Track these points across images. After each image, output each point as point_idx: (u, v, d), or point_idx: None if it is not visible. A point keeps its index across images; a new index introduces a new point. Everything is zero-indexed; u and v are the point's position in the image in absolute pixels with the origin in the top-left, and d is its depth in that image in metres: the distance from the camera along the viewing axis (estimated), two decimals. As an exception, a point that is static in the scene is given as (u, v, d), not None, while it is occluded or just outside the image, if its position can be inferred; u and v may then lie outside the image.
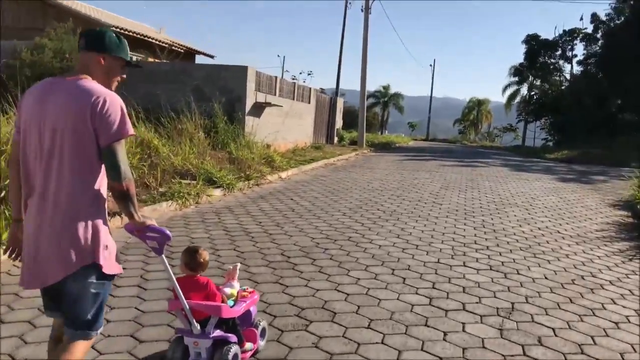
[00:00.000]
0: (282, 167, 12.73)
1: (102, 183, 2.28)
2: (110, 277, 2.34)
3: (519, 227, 7.66)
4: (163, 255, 2.51)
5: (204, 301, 2.83)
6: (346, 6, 25.68)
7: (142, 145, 9.63)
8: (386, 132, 65.80)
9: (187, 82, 14.15)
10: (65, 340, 2.31)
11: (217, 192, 9.05)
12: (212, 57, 24.53)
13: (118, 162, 2.18)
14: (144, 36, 17.36)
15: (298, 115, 18.63)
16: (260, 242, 5.97)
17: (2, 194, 5.44)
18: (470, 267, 5.39)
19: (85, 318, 2.27)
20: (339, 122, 25.37)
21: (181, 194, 7.98)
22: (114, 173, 2.18)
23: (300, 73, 67.02)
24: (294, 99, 18.01)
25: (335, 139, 24.78)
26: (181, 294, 2.73)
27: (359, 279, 4.80)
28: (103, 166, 2.24)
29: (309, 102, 20.04)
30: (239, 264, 3.36)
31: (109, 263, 2.28)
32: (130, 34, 16.87)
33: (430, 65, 59.36)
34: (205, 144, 11.32)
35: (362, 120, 24.71)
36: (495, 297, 4.55)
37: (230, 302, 2.98)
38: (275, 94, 16.18)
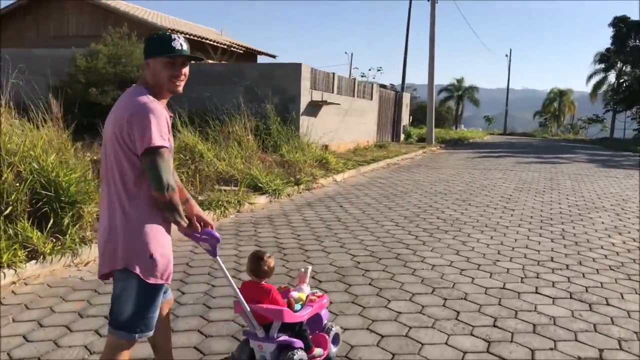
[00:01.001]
0: (338, 169, 11.90)
1: (141, 193, 2.26)
2: (151, 285, 2.29)
3: (608, 237, 6.40)
4: (218, 257, 2.54)
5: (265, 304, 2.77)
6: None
7: (185, 150, 9.15)
8: (462, 126, 63.42)
9: (239, 83, 13.64)
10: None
11: (262, 199, 8.36)
12: (273, 57, 24.11)
13: (156, 173, 2.16)
14: (200, 38, 17.10)
15: (359, 113, 17.73)
16: (292, 261, 5.17)
17: (8, 210, 4.97)
18: (544, 295, 4.31)
19: (120, 318, 2.31)
20: (405, 119, 24.19)
21: (220, 202, 7.34)
22: (154, 183, 2.18)
23: (370, 69, 65.57)
24: (354, 95, 17.13)
25: (402, 136, 23.63)
26: (240, 296, 2.71)
27: (399, 313, 3.88)
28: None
29: (371, 99, 19.08)
30: (310, 267, 3.30)
31: (149, 272, 2.26)
32: (186, 36, 16.65)
33: (506, 55, 56.19)
34: (255, 147, 10.69)
35: (430, 116, 23.40)
36: (576, 340, 3.50)
37: (298, 306, 2.93)
38: (332, 92, 15.39)
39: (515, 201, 8.83)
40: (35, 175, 5.17)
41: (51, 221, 5.05)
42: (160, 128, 2.18)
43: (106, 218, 2.30)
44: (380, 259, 5.26)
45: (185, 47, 2.32)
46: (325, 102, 14.33)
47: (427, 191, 9.76)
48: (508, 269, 4.99)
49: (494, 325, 3.69)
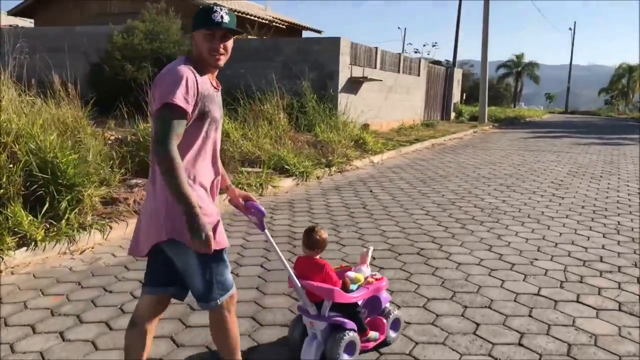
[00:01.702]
0: (376, 149, 11.26)
1: (188, 157, 2.18)
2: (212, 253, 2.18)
3: (673, 233, 5.56)
4: (266, 230, 2.52)
5: (316, 282, 2.72)
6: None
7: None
8: (521, 104, 60.82)
9: (276, 59, 13.15)
10: None
11: (288, 182, 7.89)
12: (319, 32, 23.40)
13: (163, 129, 2.05)
14: (240, 13, 16.63)
15: (404, 90, 16.90)
16: (299, 253, 4.67)
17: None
18: (587, 305, 3.64)
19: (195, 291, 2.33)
20: (456, 96, 23.06)
21: (240, 185, 6.92)
22: (155, 140, 2.07)
23: (424, 45, 63.77)
24: (399, 71, 16.31)
25: (453, 114, 22.57)
26: (291, 271, 2.68)
27: (407, 323, 3.32)
28: (194, 140, 2.19)
29: (418, 75, 18.16)
30: (372, 248, 3.27)
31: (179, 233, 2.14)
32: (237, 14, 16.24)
33: (570, 29, 53.03)
34: (286, 127, 10.21)
35: (483, 93, 22.18)
36: (623, 368, 2.85)
37: (354, 287, 2.86)
38: (375, 67, 14.65)
39: (567, 188, 7.96)
40: (30, 156, 4.87)
41: (46, 205, 4.77)
42: (186, 91, 2.08)
43: (150, 193, 2.26)
44: (399, 254, 4.68)
45: (226, 19, 2.20)
46: (365, 79, 13.64)
47: (470, 175, 9.01)
48: (546, 271, 4.31)
49: (519, 344, 3.08)
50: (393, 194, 7.28)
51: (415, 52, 52.83)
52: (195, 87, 2.12)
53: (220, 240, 2.25)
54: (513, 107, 55.73)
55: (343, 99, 12.81)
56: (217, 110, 2.25)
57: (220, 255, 2.27)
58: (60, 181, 4.89)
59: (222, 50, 2.22)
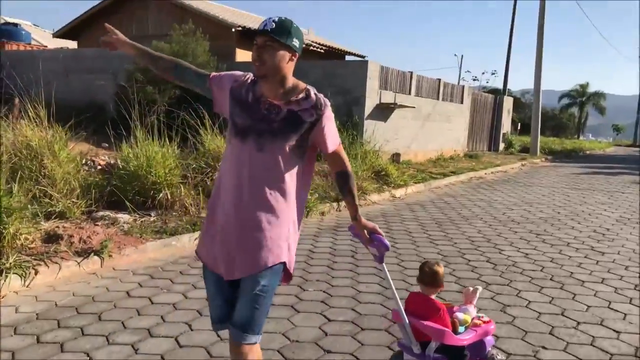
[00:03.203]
0: (401, 182, 10.20)
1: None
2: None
3: None
4: (384, 264, 2.48)
5: (427, 321, 2.58)
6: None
7: (206, 157, 8.02)
8: (589, 135, 57.75)
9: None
10: None
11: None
12: (362, 57, 22.60)
13: None
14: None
15: (444, 118, 15.74)
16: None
17: None
18: None
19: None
20: (506, 126, 21.57)
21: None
22: None
23: (483, 73, 62.02)
24: (438, 98, 15.20)
25: (502, 145, 21.07)
26: (401, 308, 2.60)
27: None
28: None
29: (461, 102, 16.94)
30: (480, 288, 3.06)
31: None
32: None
33: (640, 56, 49.74)
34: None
35: (535, 123, 20.61)
36: None
37: (461, 329, 2.71)
38: (409, 93, 13.63)
39: (611, 239, 6.64)
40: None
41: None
42: (229, 75, 2.25)
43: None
44: (356, 333, 3.65)
45: (270, 26, 2.06)
46: (396, 105, 12.63)
47: (497, 217, 7.81)
48: (553, 369, 3.17)
49: None
50: (396, 239, 6.23)
51: (474, 80, 51.20)
52: (233, 82, 2.21)
53: (202, 250, 2.29)
54: (577, 139, 52.84)
55: (369, 126, 11.85)
56: (244, 118, 2.16)
57: (204, 268, 2.30)
58: (-27, 216, 4.20)
59: (257, 58, 2.09)
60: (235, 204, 2.13)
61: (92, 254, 4.82)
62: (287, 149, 2.14)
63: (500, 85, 31.45)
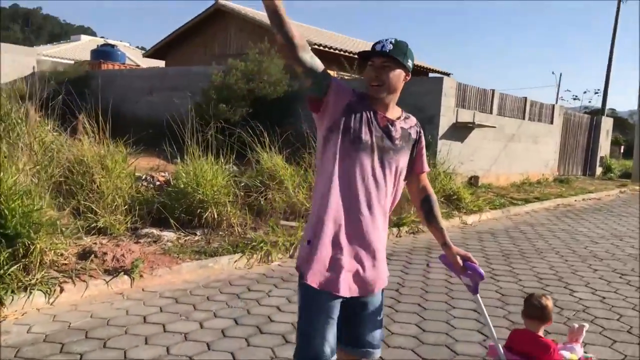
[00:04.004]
0: (475, 207, 9.47)
1: (322, 185, 2.13)
2: (303, 284, 2.09)
3: None
4: (478, 295, 2.36)
5: None
6: (619, 2, 20.03)
7: (262, 176, 7.83)
8: None
9: (374, 100, 12.01)
10: None
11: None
12: (447, 74, 21.83)
13: None
14: (339, 50, 15.81)
15: (531, 139, 14.65)
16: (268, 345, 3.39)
17: None
18: None
19: None
20: (604, 148, 19.80)
21: (262, 243, 5.80)
22: None
23: (585, 92, 58.05)
24: (524, 118, 14.17)
25: (599, 169, 19.34)
26: (498, 344, 2.44)
27: None
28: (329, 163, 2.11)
29: (551, 123, 15.71)
30: (586, 325, 2.80)
31: (301, 262, 2.14)
32: (322, 48, 15.57)
33: None
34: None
35: (638, 145, 18.76)
36: None
37: None
38: (490, 112, 12.79)
39: None
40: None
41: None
42: (350, 88, 2.14)
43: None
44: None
45: (388, 47, 2.09)
46: (474, 124, 11.87)
47: (577, 252, 6.93)
48: None
49: None
50: (451, 274, 5.62)
51: (574, 99, 48.17)
52: (352, 97, 2.12)
53: (321, 279, 2.11)
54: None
55: (444, 146, 11.19)
56: (368, 134, 2.10)
57: (318, 299, 2.12)
58: (2, 231, 4.19)
59: (375, 79, 2.11)
60: (365, 217, 2.11)
61: (122, 273, 4.71)
62: (403, 165, 2.22)
63: (608, 106, 29.13)
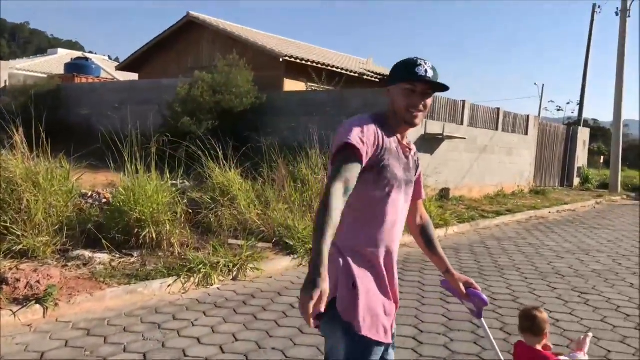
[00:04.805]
0: (442, 221, 9.17)
1: (352, 220, 1.94)
2: (358, 337, 1.87)
3: None
4: (482, 320, 2.37)
5: None
6: (594, 12, 20.03)
7: (214, 191, 7.49)
8: None
9: (342, 112, 11.74)
10: None
11: (284, 263, 6.28)
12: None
13: (336, 170, 1.83)
14: (316, 63, 15.54)
15: (505, 151, 14.44)
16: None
17: None
18: None
19: None
20: (582, 159, 19.67)
21: (202, 265, 5.43)
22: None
23: (568, 103, 58.63)
24: (497, 129, 13.97)
25: (576, 180, 19.19)
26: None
27: None
28: (366, 199, 1.95)
29: (526, 134, 15.54)
30: (591, 334, 2.81)
31: (346, 309, 1.86)
32: (308, 63, 15.31)
33: None
34: (315, 191, 8.63)
35: (615, 156, 18.65)
36: None
37: None
38: (461, 123, 12.56)
39: (678, 303, 5.32)
40: None
41: None
42: (361, 132, 1.87)
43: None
44: None
45: (430, 74, 1.98)
46: (444, 136, 11.62)
47: (539, 268, 6.63)
48: None
49: None
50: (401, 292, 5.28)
51: (558, 110, 48.45)
52: (376, 133, 1.93)
53: (372, 329, 1.90)
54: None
55: (412, 159, 10.91)
56: (399, 169, 2.01)
57: (370, 349, 1.91)
58: None
59: (421, 107, 2.01)
60: (395, 257, 2.07)
61: (34, 302, 4.31)
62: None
63: (590, 116, 29.16)
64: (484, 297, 2.29)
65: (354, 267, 1.92)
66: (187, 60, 18.36)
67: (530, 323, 2.50)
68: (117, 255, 5.71)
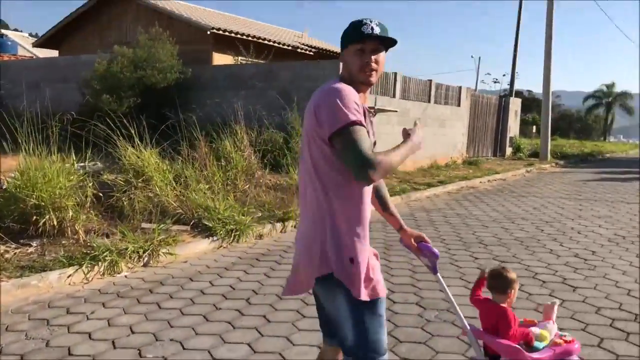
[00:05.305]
0: (372, 196, 9.02)
1: (344, 191, 2.00)
2: (364, 302, 1.98)
3: None
4: (438, 274, 2.42)
5: (498, 337, 2.45)
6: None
7: (127, 173, 7.03)
8: (621, 137, 55.76)
9: (271, 86, 11.39)
10: None
11: (203, 245, 5.96)
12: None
13: (354, 151, 1.84)
14: (245, 35, 15.02)
15: (437, 123, 14.50)
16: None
17: None
18: None
19: (346, 342, 2.01)
20: (514, 129, 20.13)
21: (107, 252, 5.03)
22: (355, 165, 1.85)
23: (504, 75, 60.09)
24: (429, 101, 13.98)
25: (509, 150, 19.65)
26: (465, 324, 2.48)
27: None
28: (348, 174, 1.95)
29: (458, 105, 15.67)
30: (557, 302, 2.82)
31: (352, 281, 1.96)
32: (237, 35, 14.76)
33: (666, 53, 47.29)
34: (244, 168, 8.32)
35: (545, 125, 19.16)
36: None
37: (539, 345, 2.51)
38: (393, 96, 12.47)
39: (592, 267, 5.38)
40: None
41: None
42: (352, 107, 1.90)
43: (305, 223, 2.08)
44: None
45: (377, 30, 1.99)
46: (375, 109, 11.47)
47: (463, 239, 6.60)
48: None
49: None
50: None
51: (495, 82, 49.73)
52: (362, 107, 1.97)
53: (375, 288, 2.03)
54: (604, 141, 50.72)
55: (343, 133, 10.73)
56: (371, 134, 2.05)
57: (375, 308, 2.03)
58: None
59: (374, 65, 2.01)
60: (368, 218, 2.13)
61: None
62: None
63: (526, 87, 30.01)
64: (435, 250, 2.31)
65: (351, 240, 1.99)
66: (110, 35, 17.37)
67: (496, 281, 2.57)
68: (13, 246, 5.22)
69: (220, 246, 6.08)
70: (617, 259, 5.72)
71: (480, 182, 12.70)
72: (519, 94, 42.03)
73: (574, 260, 5.64)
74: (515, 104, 20.24)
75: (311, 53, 17.57)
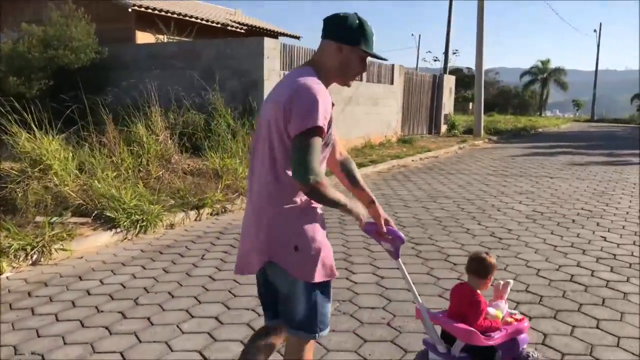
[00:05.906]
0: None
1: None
2: (317, 283, 2.07)
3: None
4: (399, 260, 2.40)
5: (457, 321, 2.47)
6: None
7: (22, 162, 6.46)
8: (557, 112, 57.55)
9: (193, 65, 10.86)
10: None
11: (104, 238, 5.52)
12: (297, 38, 21.02)
13: (305, 157, 1.89)
14: (182, 15, 14.37)
15: (371, 101, 14.33)
16: None
17: None
18: None
19: (296, 317, 2.08)
20: (448, 106, 20.29)
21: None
22: (298, 169, 1.90)
23: (444, 53, 60.75)
24: (361, 79, 13.77)
25: (444, 127, 19.81)
26: (423, 305, 2.51)
27: None
28: None
29: (391, 83, 15.56)
30: (511, 281, 2.81)
31: (301, 266, 2.03)
32: (161, 13, 14.03)
33: (595, 31, 49.20)
34: (159, 153, 7.87)
35: (478, 102, 19.38)
36: None
37: None
38: (322, 75, 12.14)
39: (506, 246, 5.32)
40: None
41: None
42: (326, 113, 1.97)
43: (255, 208, 2.10)
44: None
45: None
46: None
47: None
48: None
49: None
50: (187, 273, 4.78)
51: (435, 61, 50.23)
52: (330, 109, 2.02)
53: (328, 270, 2.09)
54: (540, 116, 52.33)
55: (269, 113, 10.37)
56: (334, 131, 2.14)
57: (326, 287, 2.13)
58: None
59: (360, 73, 2.20)
60: None
61: None
62: None
63: (466, 64, 30.33)
64: (401, 234, 2.29)
65: (301, 226, 2.02)
66: (25, 12, 16.17)
67: (476, 264, 2.57)
68: None
69: (125, 238, 5.66)
70: (532, 236, 5.70)
71: (412, 160, 12.65)
72: (459, 71, 42.64)
73: (489, 239, 5.57)
74: (449, 81, 20.37)
75: (242, 31, 16.99)
